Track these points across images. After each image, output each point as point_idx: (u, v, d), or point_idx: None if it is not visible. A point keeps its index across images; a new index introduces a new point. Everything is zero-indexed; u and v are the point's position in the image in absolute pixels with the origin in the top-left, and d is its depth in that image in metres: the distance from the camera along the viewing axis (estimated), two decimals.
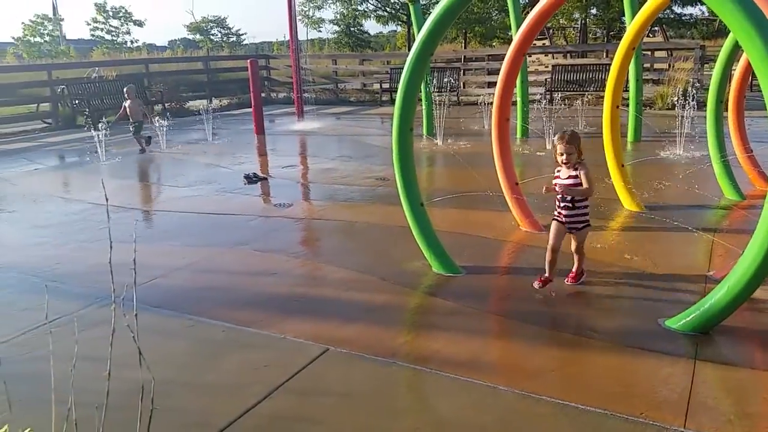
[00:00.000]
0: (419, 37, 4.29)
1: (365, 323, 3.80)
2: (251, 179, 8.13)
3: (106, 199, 2.30)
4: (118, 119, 11.20)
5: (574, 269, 4.35)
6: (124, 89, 11.24)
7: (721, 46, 6.70)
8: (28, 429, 1.80)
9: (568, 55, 18.94)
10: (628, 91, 9.78)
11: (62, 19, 48.60)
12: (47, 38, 44.46)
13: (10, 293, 4.45)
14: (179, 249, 5.35)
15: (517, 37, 5.34)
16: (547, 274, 4.18)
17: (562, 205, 4.23)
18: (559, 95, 15.28)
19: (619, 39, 25.20)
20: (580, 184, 4.10)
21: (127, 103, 10.86)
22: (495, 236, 5.45)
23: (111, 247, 2.12)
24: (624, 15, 11.16)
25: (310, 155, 10.71)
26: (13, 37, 45.43)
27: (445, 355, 3.35)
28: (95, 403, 1.99)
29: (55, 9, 52.31)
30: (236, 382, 3.16)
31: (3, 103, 15.42)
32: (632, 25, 6.04)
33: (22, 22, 45.11)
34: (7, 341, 3.65)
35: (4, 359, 3.26)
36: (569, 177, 4.18)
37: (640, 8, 6.11)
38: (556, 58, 17.97)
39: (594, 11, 24.25)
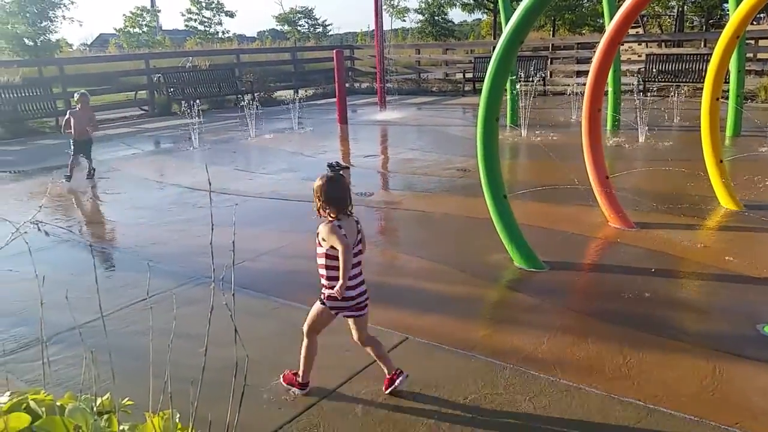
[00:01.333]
0: (509, 25, 4.20)
1: (444, 314, 3.80)
2: (334, 168, 8.22)
3: (209, 185, 2.42)
4: (63, 131, 8.25)
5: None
6: (75, 95, 8.46)
7: None
8: (126, 398, 1.93)
9: (663, 44, 18.01)
10: (728, 82, 9.21)
11: (159, 11, 50.96)
12: (145, 29, 46.83)
13: (112, 270, 4.76)
14: (266, 234, 5.53)
15: (611, 26, 5.14)
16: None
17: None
18: (653, 86, 14.61)
19: (719, 27, 23.76)
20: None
21: (73, 113, 8.02)
22: (581, 231, 5.29)
23: (212, 229, 2.23)
24: (725, 1, 10.49)
25: (391, 145, 10.76)
26: (115, 29, 48.17)
27: (527, 352, 3.30)
28: (189, 377, 2.10)
29: (152, 0, 55.01)
30: (319, 364, 3.24)
31: (105, 90, 16.41)
32: (738, 11, 5.66)
33: (123, 14, 47.78)
34: (108, 315, 3.89)
35: (103, 332, 3.50)
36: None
37: None
38: (651, 47, 17.15)
39: None
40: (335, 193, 3.06)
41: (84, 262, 4.87)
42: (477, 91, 17.94)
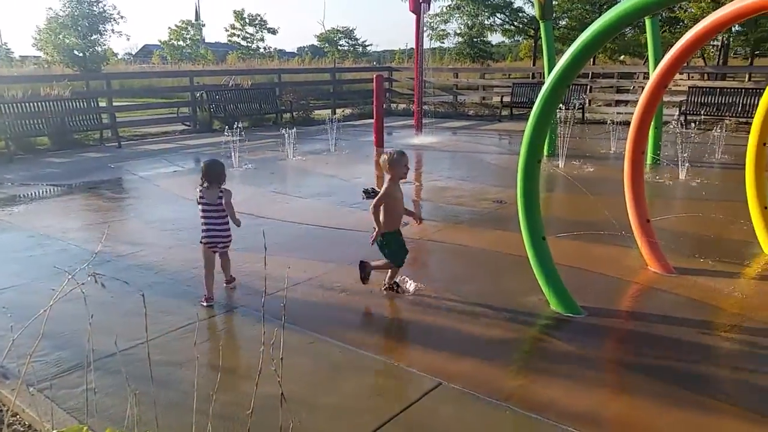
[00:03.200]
0: (556, 69, 4.19)
1: (479, 359, 3.78)
2: (369, 194, 8.32)
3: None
4: None
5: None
6: None
7: None
8: None
9: (707, 75, 17.73)
10: None
11: (204, 25, 52.34)
12: (189, 42, 48.07)
13: (150, 293, 4.83)
14: (301, 262, 5.58)
15: (658, 69, 5.08)
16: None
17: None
18: (696, 119, 14.37)
19: (765, 57, 23.07)
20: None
21: None
22: (620, 275, 5.21)
23: (266, 262, 2.26)
24: None
25: (426, 171, 10.78)
26: (160, 41, 49.55)
27: (563, 406, 3.24)
28: (228, 414, 2.13)
29: (197, 14, 56.50)
30: (352, 406, 3.25)
31: (149, 105, 16.84)
32: None
33: (169, 27, 49.12)
34: (144, 342, 3.96)
35: (142, 360, 3.56)
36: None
37: None
38: (693, 79, 16.90)
39: (738, 28, 22.52)
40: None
41: (122, 285, 4.98)
42: (514, 117, 17.91)
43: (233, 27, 46.69)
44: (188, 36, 48.20)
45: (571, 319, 4.37)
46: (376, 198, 4.80)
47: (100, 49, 25.12)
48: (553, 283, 4.50)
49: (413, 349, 3.92)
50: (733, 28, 22.03)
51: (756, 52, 24.18)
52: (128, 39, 51.12)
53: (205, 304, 4.62)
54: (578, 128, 14.58)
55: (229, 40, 48.03)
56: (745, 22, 20.52)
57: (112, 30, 25.17)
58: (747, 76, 18.51)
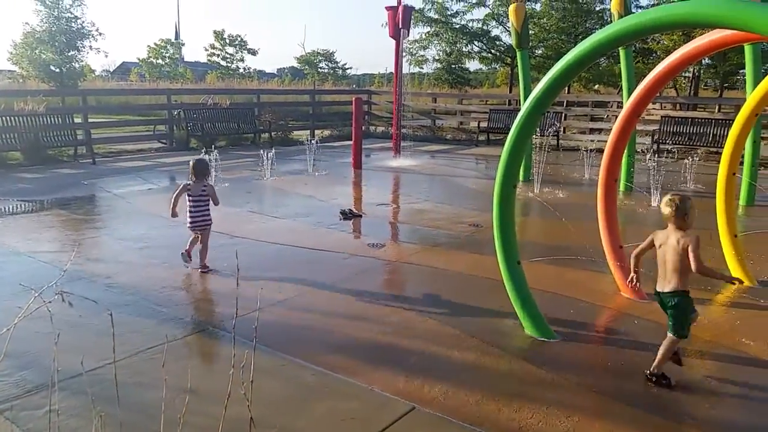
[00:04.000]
0: (531, 96, 4.26)
1: (453, 383, 3.76)
2: (347, 215, 8.31)
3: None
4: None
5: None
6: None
7: None
8: None
9: (678, 106, 18.17)
10: (744, 149, 9.25)
11: (183, 44, 52.30)
12: (168, 60, 47.91)
13: (120, 313, 4.73)
14: (276, 283, 5.52)
15: (630, 100, 5.19)
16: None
17: None
18: (667, 148, 14.67)
19: (734, 90, 23.79)
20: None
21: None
22: (593, 300, 5.25)
23: (238, 282, 2.22)
24: (741, 68, 10.59)
25: (404, 194, 10.82)
26: (139, 58, 49.31)
27: (536, 431, 3.23)
28: None
29: (177, 33, 56.46)
30: (323, 431, 3.20)
31: (125, 122, 16.69)
32: (757, 90, 5.73)
33: (148, 45, 48.97)
34: (112, 363, 3.87)
35: (109, 381, 3.47)
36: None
37: (763, 62, 5.80)
38: (666, 109, 17.30)
39: (708, 61, 23.21)
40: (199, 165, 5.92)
41: (91, 304, 4.88)
42: (491, 142, 18.13)
43: (213, 47, 46.66)
44: (167, 54, 48.06)
45: (545, 344, 4.38)
46: (698, 247, 3.82)
47: (77, 65, 24.91)
48: (527, 307, 4.52)
49: (387, 372, 3.89)
50: (703, 61, 22.70)
51: (725, 85, 24.89)
52: (106, 56, 50.97)
53: (186, 263, 5.91)
54: (553, 155, 14.80)
55: (209, 60, 47.97)
56: (714, 56, 21.15)
57: (90, 46, 24.99)
58: (717, 107, 19.00)
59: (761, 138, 11.27)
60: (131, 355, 4.00)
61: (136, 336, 4.31)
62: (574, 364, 4.11)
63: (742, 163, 9.33)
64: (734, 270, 5.81)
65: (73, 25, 23.95)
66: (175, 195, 5.99)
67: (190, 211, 5.93)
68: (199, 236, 5.94)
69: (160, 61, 47.86)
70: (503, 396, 3.65)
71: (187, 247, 5.99)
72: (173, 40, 50.97)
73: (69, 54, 24.16)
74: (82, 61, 25.44)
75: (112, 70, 62.41)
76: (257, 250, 6.68)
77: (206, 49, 47.26)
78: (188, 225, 5.94)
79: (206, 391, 3.49)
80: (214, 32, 46.11)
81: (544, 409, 3.47)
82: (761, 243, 7.23)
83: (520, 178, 11.19)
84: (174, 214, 5.99)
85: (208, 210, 5.99)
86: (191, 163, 5.99)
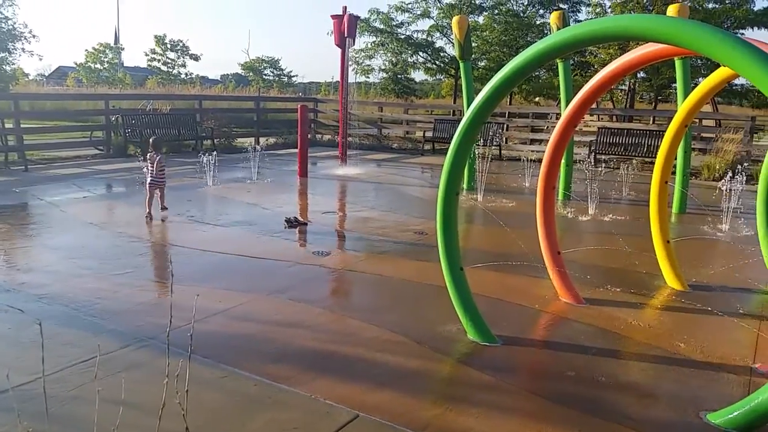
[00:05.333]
0: (472, 107, 4.33)
1: (396, 389, 3.76)
2: (292, 223, 8.23)
3: None
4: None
5: None
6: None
7: None
8: None
9: (615, 117, 18.86)
10: (676, 159, 9.68)
11: (123, 48, 50.90)
12: (106, 65, 46.54)
13: (53, 325, 4.53)
14: (218, 292, 5.40)
15: (568, 110, 5.36)
16: None
17: None
18: (604, 158, 15.20)
19: (667, 103, 24.86)
20: None
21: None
22: (533, 305, 5.37)
23: (172, 290, 2.15)
24: (674, 81, 11.09)
25: (350, 202, 10.81)
26: (76, 63, 47.71)
27: None
28: None
29: (116, 38, 54.90)
30: None
31: (61, 128, 16.07)
32: (686, 103, 6.01)
33: (86, 50, 47.42)
34: (46, 376, 3.69)
35: (38, 396, 3.31)
36: None
37: (692, 76, 6.08)
38: (603, 120, 17.92)
39: (643, 75, 24.21)
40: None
41: (20, 316, 4.66)
42: (436, 151, 18.36)
43: (154, 52, 45.65)
44: (106, 59, 46.69)
45: (487, 348, 4.44)
46: None
47: (8, 68, 23.81)
48: (470, 312, 4.57)
49: (331, 381, 3.85)
50: (638, 75, 23.66)
51: (659, 97, 25.99)
52: (40, 59, 49.08)
53: (148, 221, 8.00)
54: (496, 164, 15.10)
55: (149, 65, 46.89)
56: (649, 70, 22.10)
57: (23, 49, 23.92)
58: (651, 119, 19.84)
59: (692, 148, 11.83)
60: (64, 369, 3.83)
61: (69, 348, 4.13)
62: (515, 368, 4.19)
63: (674, 173, 9.77)
64: (667, 274, 6.05)
65: (3, 25, 22.91)
66: (145, 168, 8.47)
67: (151, 174, 8.34)
68: (157, 192, 8.42)
69: (98, 65, 46.45)
70: (446, 400, 3.67)
71: (148, 210, 8.27)
72: (112, 45, 49.54)
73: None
74: (13, 63, 24.34)
75: (47, 75, 60.13)
76: (198, 260, 6.53)
77: (147, 54, 46.26)
78: (149, 184, 8.35)
79: (141, 404, 3.37)
80: (155, 37, 45.17)
81: (486, 412, 3.51)
82: (693, 249, 7.56)
83: (465, 186, 11.39)
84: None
85: (164, 173, 8.55)
86: (150, 140, 8.67)
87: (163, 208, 8.51)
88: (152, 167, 8.32)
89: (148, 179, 8.35)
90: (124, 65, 52.38)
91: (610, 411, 3.61)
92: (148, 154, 8.43)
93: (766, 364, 4.27)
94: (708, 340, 4.72)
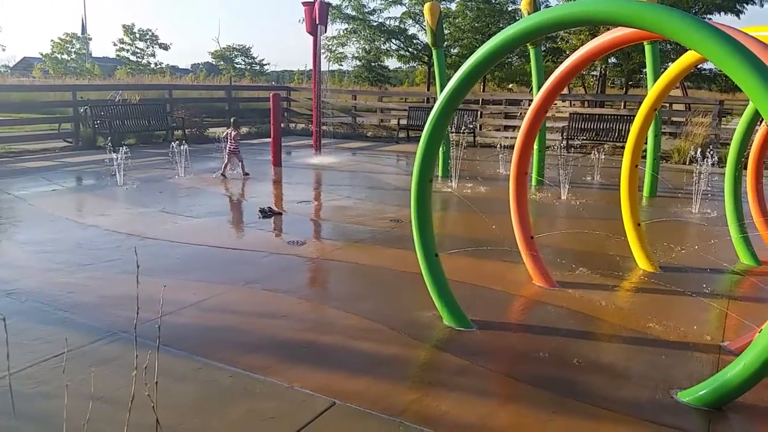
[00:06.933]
0: (444, 93, 4.33)
1: (373, 376, 3.77)
2: (266, 213, 8.17)
3: None
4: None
5: None
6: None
7: (740, 99, 6.74)
8: None
9: (587, 103, 19.03)
10: (646, 143, 9.81)
11: (90, 38, 49.83)
12: (74, 56, 45.54)
13: (23, 320, 4.45)
14: (191, 284, 5.35)
15: (539, 95, 5.39)
16: None
17: None
18: (576, 143, 15.35)
19: (638, 88, 25.19)
20: None
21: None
22: (507, 290, 5.42)
23: (138, 280, 2.12)
24: (644, 67, 11.22)
25: (325, 191, 10.77)
26: (42, 53, 46.59)
27: (454, 418, 3.30)
28: None
29: (84, 28, 53.71)
30: None
31: (28, 120, 15.70)
32: (655, 87, 6.08)
33: (52, 40, 46.30)
34: (15, 373, 3.63)
35: (14, 392, 3.26)
36: None
37: (661, 61, 6.15)
38: (575, 106, 18.08)
39: (614, 60, 24.46)
40: None
41: None
42: (411, 139, 18.35)
43: (122, 41, 44.77)
44: (73, 49, 45.68)
45: (462, 333, 4.47)
46: None
47: None
48: (445, 298, 4.60)
49: (308, 369, 3.85)
50: (609, 60, 23.88)
51: (630, 83, 26.29)
52: (4, 49, 47.80)
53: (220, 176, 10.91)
54: (470, 151, 15.15)
55: (118, 55, 45.98)
56: (619, 55, 22.33)
57: None
58: (622, 104, 20.06)
59: (662, 132, 12.01)
60: (33, 365, 3.76)
61: (40, 344, 4.06)
62: (490, 352, 4.22)
63: (645, 157, 9.91)
64: (638, 257, 6.14)
65: None
66: (224, 137, 11.28)
67: (229, 146, 11.13)
68: (235, 159, 11.16)
69: (65, 56, 45.42)
70: (423, 386, 3.70)
71: (222, 171, 11.14)
72: (80, 35, 48.43)
73: None
74: None
75: (12, 66, 58.60)
76: (170, 252, 6.45)
77: (115, 44, 45.34)
78: (227, 152, 11.19)
79: (113, 398, 3.33)
80: (124, 26, 44.30)
81: (462, 396, 3.54)
82: (663, 231, 7.68)
83: (440, 174, 11.42)
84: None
85: (237, 144, 11.22)
86: (231, 119, 11.75)
87: (245, 174, 11.20)
88: (231, 140, 10.99)
89: (227, 149, 11.11)
90: (92, 55, 51.31)
91: (584, 392, 3.67)
92: (228, 130, 11.30)
93: (735, 342, 4.36)
94: (678, 320, 4.82)
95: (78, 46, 46.23)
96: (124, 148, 10.44)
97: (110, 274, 5.60)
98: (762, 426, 3.45)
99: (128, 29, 44.20)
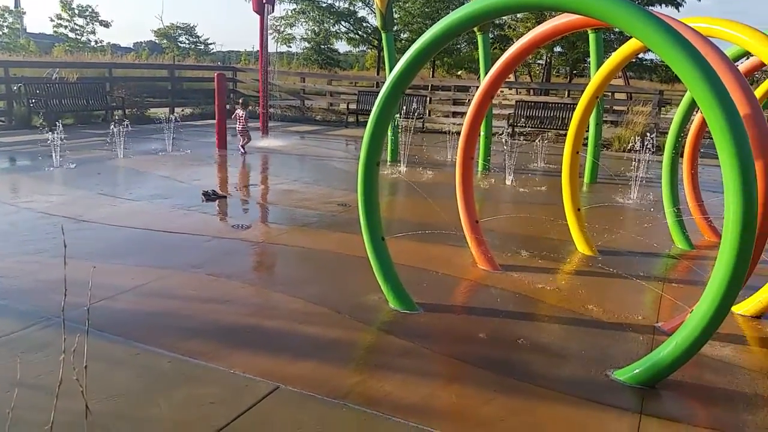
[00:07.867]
0: (391, 76, 4.32)
1: (318, 359, 3.75)
2: (210, 197, 8.00)
3: None
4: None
5: None
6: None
7: (678, 90, 6.98)
8: None
9: (532, 91, 19.36)
10: (588, 131, 10.06)
11: (24, 12, 47.39)
12: (6, 30, 43.23)
13: None
14: (129, 269, 5.19)
15: (485, 81, 5.43)
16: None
17: None
18: (521, 131, 15.61)
19: (582, 77, 25.75)
20: None
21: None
22: (452, 273, 5.47)
23: (65, 261, 2.03)
24: (588, 56, 11.47)
25: (272, 174, 10.62)
26: None
27: (397, 399, 3.32)
28: None
29: (17, 1, 51.00)
30: (179, 419, 3.06)
31: None
32: (597, 75, 6.21)
33: None
34: None
35: None
36: None
37: (604, 50, 6.30)
38: (520, 94, 18.36)
39: (559, 49, 24.91)
40: None
41: None
42: (360, 124, 18.27)
43: (60, 17, 42.72)
44: (6, 24, 43.33)
45: (408, 315, 4.50)
46: None
47: None
48: (391, 281, 4.61)
49: (251, 354, 3.79)
50: (554, 49, 24.31)
51: (574, 72, 26.84)
52: None
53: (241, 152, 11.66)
54: (419, 137, 15.20)
55: (55, 32, 43.86)
56: (564, 44, 22.75)
57: None
58: (567, 92, 20.49)
59: (603, 121, 12.34)
60: None
61: None
62: (435, 334, 4.27)
63: (587, 144, 10.16)
64: (577, 241, 6.31)
65: None
66: (235, 117, 12.03)
67: (240, 124, 11.85)
68: (245, 137, 11.82)
69: None
70: (367, 368, 3.70)
71: (240, 149, 11.88)
72: (12, 9, 45.95)
73: None
74: None
75: None
76: (108, 235, 6.24)
77: (52, 20, 43.21)
78: (239, 131, 11.93)
79: (44, 384, 3.20)
80: (61, 1, 42.22)
81: (406, 377, 3.57)
82: (602, 216, 7.91)
83: (388, 159, 11.43)
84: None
85: (245, 123, 11.89)
86: (240, 100, 12.81)
87: (242, 151, 11.88)
88: (241, 120, 11.75)
89: (240, 128, 11.87)
90: (27, 31, 48.83)
91: (524, 371, 3.75)
92: (239, 109, 12.00)
93: (668, 323, 4.54)
94: (615, 302, 4.98)
95: (11, 20, 43.87)
96: (61, 127, 9.98)
97: (45, 258, 5.38)
98: (691, 401, 3.60)
99: (66, 4, 42.19)
